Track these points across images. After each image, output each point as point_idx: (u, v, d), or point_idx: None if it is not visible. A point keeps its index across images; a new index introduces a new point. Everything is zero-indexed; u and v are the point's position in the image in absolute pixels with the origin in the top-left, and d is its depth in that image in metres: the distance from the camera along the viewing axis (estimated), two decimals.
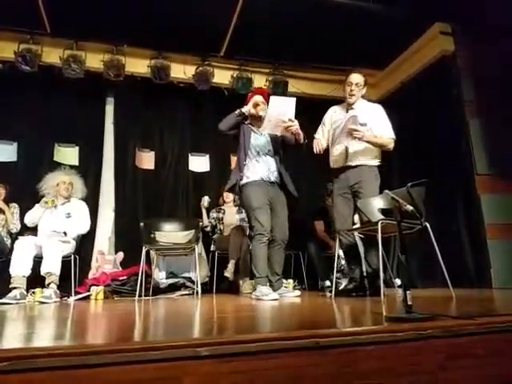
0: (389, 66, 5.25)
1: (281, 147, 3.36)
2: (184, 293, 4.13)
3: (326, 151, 3.31)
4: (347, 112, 3.21)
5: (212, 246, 4.61)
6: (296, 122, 3.08)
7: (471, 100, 4.19)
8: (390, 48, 4.81)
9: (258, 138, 3.32)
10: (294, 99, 3.05)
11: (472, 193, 4.00)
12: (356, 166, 3.11)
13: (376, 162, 3.17)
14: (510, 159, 3.94)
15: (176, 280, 4.25)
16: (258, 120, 3.33)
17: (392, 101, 5.23)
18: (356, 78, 3.17)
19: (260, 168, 3.25)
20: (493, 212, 3.91)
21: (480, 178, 4.01)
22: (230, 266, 4.08)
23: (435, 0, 3.90)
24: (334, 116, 3.31)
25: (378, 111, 3.24)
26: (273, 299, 2.87)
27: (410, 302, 1.32)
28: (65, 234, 3.90)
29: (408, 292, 1.34)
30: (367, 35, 4.40)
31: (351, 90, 3.15)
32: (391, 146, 3.12)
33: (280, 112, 3.01)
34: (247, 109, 3.29)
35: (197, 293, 3.74)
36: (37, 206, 4.02)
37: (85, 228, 4.13)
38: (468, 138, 4.11)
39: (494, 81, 4.06)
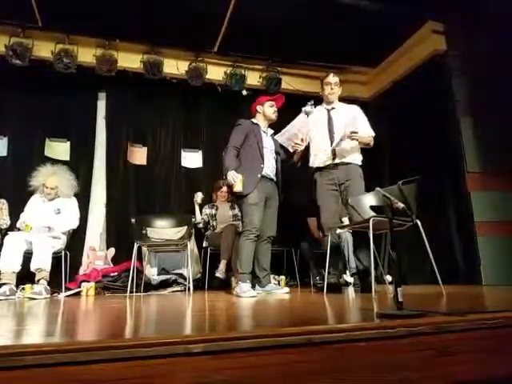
0: (381, 64, 5.27)
1: (280, 148, 3.50)
2: (176, 289, 4.12)
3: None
4: (329, 112, 3.32)
5: (204, 243, 4.60)
6: (304, 145, 3.24)
7: (462, 98, 4.22)
8: (383, 46, 4.83)
9: (266, 138, 3.43)
10: (309, 121, 3.20)
11: (462, 190, 4.04)
12: (344, 164, 3.19)
13: (360, 161, 3.26)
14: (500, 157, 3.99)
15: (168, 276, 4.23)
16: (268, 121, 3.48)
17: (384, 99, 5.27)
18: (334, 78, 3.37)
19: (265, 165, 3.31)
20: (483, 209, 3.95)
21: (470, 175, 4.05)
22: (221, 265, 4.08)
23: None
24: (315, 117, 3.33)
25: (357, 111, 3.33)
26: (250, 296, 2.91)
27: (400, 299, 1.33)
28: (54, 229, 3.86)
29: (399, 289, 1.34)
30: (360, 33, 4.41)
31: (331, 89, 3.33)
32: (372, 143, 3.27)
33: (299, 130, 3.19)
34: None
35: (189, 289, 3.73)
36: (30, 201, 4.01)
37: (74, 223, 4.08)
38: (459, 135, 4.14)
39: (486, 79, 4.09)
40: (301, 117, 3.16)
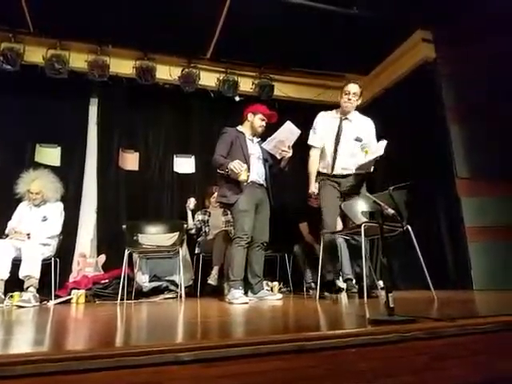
0: (372, 72, 5.32)
1: (268, 155, 3.49)
2: (167, 296, 4.08)
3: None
4: (341, 122, 3.28)
5: (197, 249, 4.57)
6: (291, 152, 3.26)
7: (452, 105, 4.28)
8: (374, 54, 4.89)
9: (252, 146, 3.44)
10: (299, 132, 3.22)
11: (453, 196, 4.08)
12: (350, 175, 3.26)
13: None
14: (489, 163, 4.04)
15: (159, 283, 4.19)
16: (256, 131, 3.48)
17: (376, 106, 5.31)
18: (354, 87, 3.25)
19: (252, 171, 3.31)
20: (473, 215, 3.99)
21: (461, 181, 4.10)
22: (214, 272, 4.07)
23: (418, 7, 3.97)
24: (326, 123, 3.36)
25: (372, 126, 3.35)
26: (243, 303, 2.91)
27: (392, 305, 1.33)
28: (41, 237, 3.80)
29: (390, 294, 1.35)
30: (352, 41, 4.46)
31: (349, 99, 3.22)
32: None
33: (286, 137, 3.21)
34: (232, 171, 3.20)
35: (180, 296, 3.70)
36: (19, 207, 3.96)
37: (56, 229, 3.96)
38: (449, 142, 4.19)
39: (474, 87, 4.16)
40: (285, 126, 3.18)
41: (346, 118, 3.30)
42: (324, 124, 3.36)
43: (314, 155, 3.34)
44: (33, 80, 4.53)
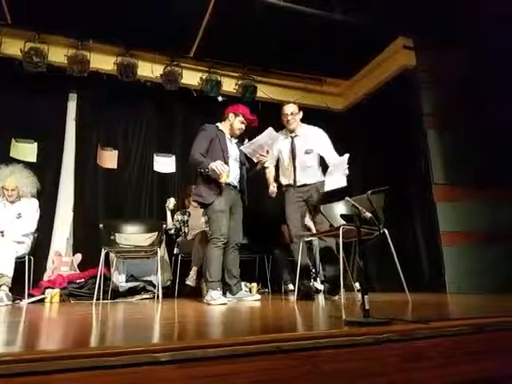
0: (354, 77, 5.41)
1: (245, 157, 3.52)
2: (144, 297, 4.03)
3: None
4: (292, 139, 3.53)
5: (175, 249, 4.53)
6: (268, 157, 3.40)
7: (430, 112, 4.38)
8: (356, 59, 4.96)
9: (231, 147, 3.43)
10: (278, 137, 3.40)
11: (429, 201, 4.18)
12: (309, 185, 3.46)
13: (321, 178, 3.55)
14: (465, 169, 4.15)
15: (136, 283, 4.13)
16: (234, 132, 3.47)
17: (357, 110, 5.40)
18: (289, 108, 3.53)
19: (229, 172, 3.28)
20: (448, 220, 4.09)
21: (437, 187, 4.20)
22: (192, 273, 4.04)
23: (399, 14, 4.05)
24: (279, 144, 3.57)
25: (321, 135, 3.56)
26: (221, 304, 2.91)
27: (367, 307, 1.35)
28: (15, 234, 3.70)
29: (366, 296, 1.37)
30: (334, 45, 4.51)
31: (288, 120, 3.50)
32: None
33: (265, 142, 3.29)
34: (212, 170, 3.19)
35: (158, 297, 3.67)
36: None
37: (31, 227, 3.89)
38: (426, 148, 4.29)
39: (452, 94, 4.27)
40: (267, 132, 3.23)
41: (296, 135, 3.53)
42: (278, 145, 3.56)
43: (268, 170, 3.63)
44: (10, 73, 4.39)
